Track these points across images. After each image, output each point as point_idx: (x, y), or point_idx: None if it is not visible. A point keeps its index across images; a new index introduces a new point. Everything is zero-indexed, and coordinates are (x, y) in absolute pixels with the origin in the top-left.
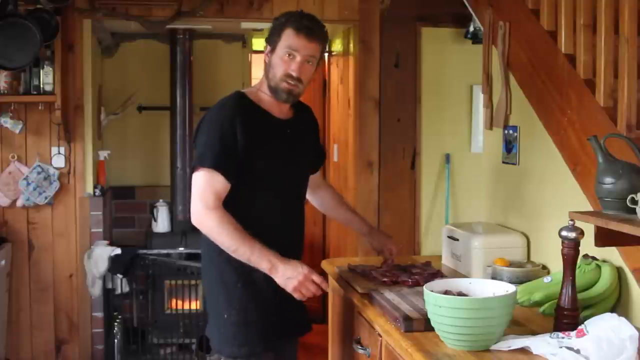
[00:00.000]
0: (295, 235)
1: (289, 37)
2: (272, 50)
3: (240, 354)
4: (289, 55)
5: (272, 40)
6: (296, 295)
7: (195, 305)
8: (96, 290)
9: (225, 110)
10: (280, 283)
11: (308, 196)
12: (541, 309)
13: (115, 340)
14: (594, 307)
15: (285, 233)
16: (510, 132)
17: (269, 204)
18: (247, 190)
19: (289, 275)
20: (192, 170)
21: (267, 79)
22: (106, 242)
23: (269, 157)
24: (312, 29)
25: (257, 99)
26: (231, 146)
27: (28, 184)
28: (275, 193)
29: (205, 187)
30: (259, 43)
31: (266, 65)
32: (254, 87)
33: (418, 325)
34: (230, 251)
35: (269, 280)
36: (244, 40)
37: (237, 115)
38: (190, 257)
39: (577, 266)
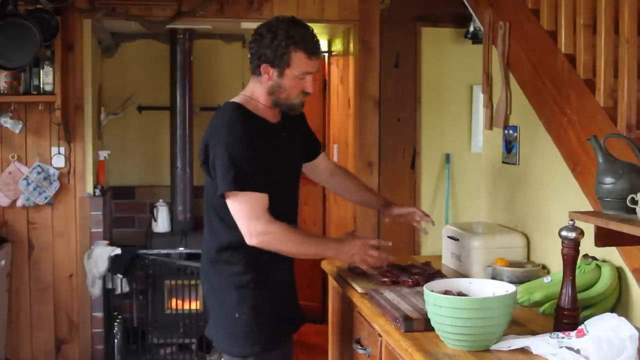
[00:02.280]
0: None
1: (302, 63)
2: (281, 74)
3: (253, 353)
4: (302, 78)
5: (275, 60)
6: (364, 267)
7: (195, 305)
8: (96, 290)
9: (237, 127)
10: (347, 262)
11: (326, 184)
12: (541, 309)
13: (115, 340)
14: (594, 307)
15: None
16: (510, 132)
17: (275, 209)
18: None
19: (352, 252)
20: (222, 194)
21: (272, 96)
22: (106, 242)
23: (275, 165)
24: (319, 48)
25: (254, 109)
26: (256, 161)
27: (28, 184)
28: (280, 197)
29: (253, 207)
30: None
31: (270, 85)
32: (246, 96)
33: (418, 325)
34: (298, 255)
35: (279, 279)
36: (244, 40)
37: (247, 129)
38: (190, 257)
39: (577, 266)
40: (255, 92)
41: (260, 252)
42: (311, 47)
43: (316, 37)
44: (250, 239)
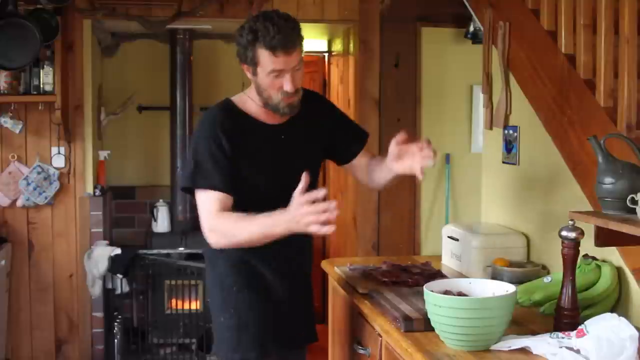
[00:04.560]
0: (298, 244)
1: (267, 61)
2: (254, 73)
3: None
4: (276, 75)
5: (247, 59)
6: (313, 230)
7: (195, 305)
8: (96, 290)
9: (207, 124)
10: (295, 231)
11: (370, 183)
12: (541, 309)
13: (115, 340)
14: (594, 307)
15: (286, 244)
16: (510, 132)
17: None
18: (241, 203)
19: (291, 222)
20: (185, 189)
21: (260, 96)
22: (106, 242)
23: (259, 168)
24: (286, 42)
25: (245, 108)
26: (219, 159)
27: (28, 184)
28: (270, 203)
29: (205, 205)
30: None
31: (253, 83)
32: (244, 94)
33: (418, 325)
34: (245, 244)
35: (267, 287)
36: None
37: (219, 127)
38: (190, 257)
39: (577, 266)
40: (252, 90)
41: (245, 253)
42: (274, 42)
43: (288, 29)
44: (209, 241)
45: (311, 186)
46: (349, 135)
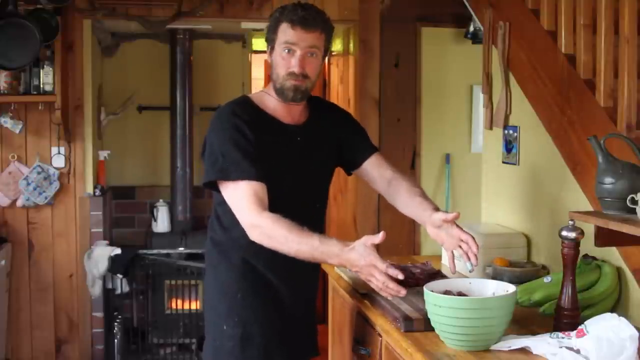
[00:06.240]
0: None
1: (285, 32)
2: (272, 49)
3: None
4: (288, 51)
5: (270, 38)
6: (375, 289)
7: (195, 305)
8: (96, 290)
9: (225, 116)
10: (352, 271)
11: (385, 195)
12: (541, 309)
13: (115, 340)
14: (594, 307)
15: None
16: (510, 132)
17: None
18: None
19: (356, 266)
20: (208, 185)
21: (272, 80)
22: (106, 242)
23: (272, 166)
24: (308, 19)
25: (262, 104)
26: (245, 148)
27: (28, 184)
28: (278, 203)
29: (241, 199)
30: (259, 43)
31: (270, 67)
32: (261, 90)
33: (418, 325)
34: (290, 255)
35: (272, 294)
36: (244, 40)
37: (238, 118)
38: (190, 257)
39: (577, 266)
40: (269, 85)
41: (251, 258)
42: (296, 17)
43: (314, 10)
44: (250, 235)
45: (323, 192)
46: (357, 143)
